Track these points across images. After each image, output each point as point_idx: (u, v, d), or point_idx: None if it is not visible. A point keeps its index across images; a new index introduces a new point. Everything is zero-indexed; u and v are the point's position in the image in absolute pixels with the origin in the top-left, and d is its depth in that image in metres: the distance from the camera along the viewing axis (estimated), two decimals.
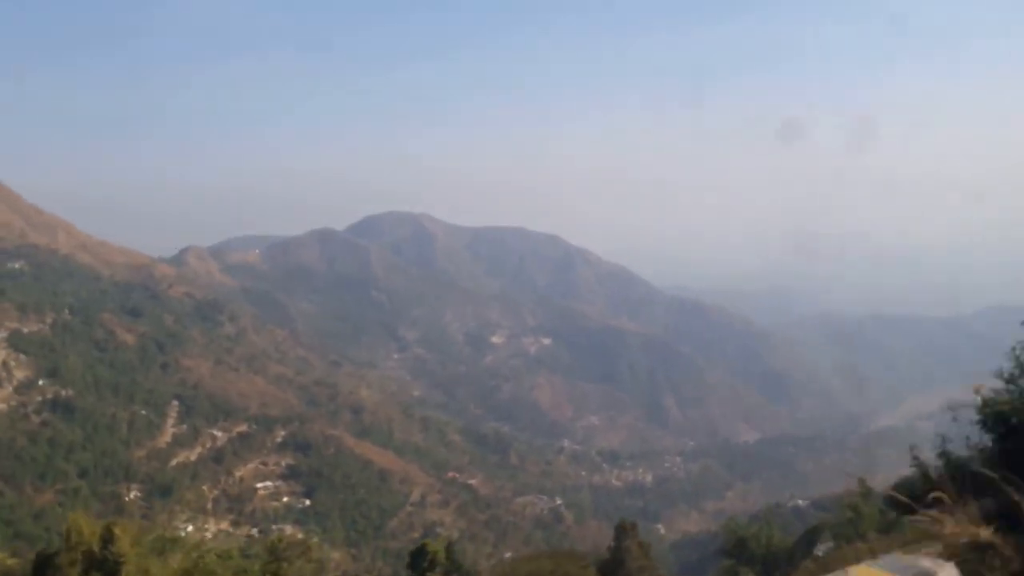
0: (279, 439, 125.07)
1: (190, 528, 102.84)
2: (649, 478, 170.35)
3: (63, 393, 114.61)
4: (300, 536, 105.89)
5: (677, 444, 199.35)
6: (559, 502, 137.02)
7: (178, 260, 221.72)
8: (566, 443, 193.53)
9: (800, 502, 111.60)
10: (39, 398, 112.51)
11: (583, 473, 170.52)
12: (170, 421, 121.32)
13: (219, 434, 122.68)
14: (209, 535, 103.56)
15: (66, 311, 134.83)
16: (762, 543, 40.56)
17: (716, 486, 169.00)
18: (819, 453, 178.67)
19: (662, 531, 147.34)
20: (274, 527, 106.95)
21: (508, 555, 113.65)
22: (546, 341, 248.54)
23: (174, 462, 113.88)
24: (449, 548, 47.72)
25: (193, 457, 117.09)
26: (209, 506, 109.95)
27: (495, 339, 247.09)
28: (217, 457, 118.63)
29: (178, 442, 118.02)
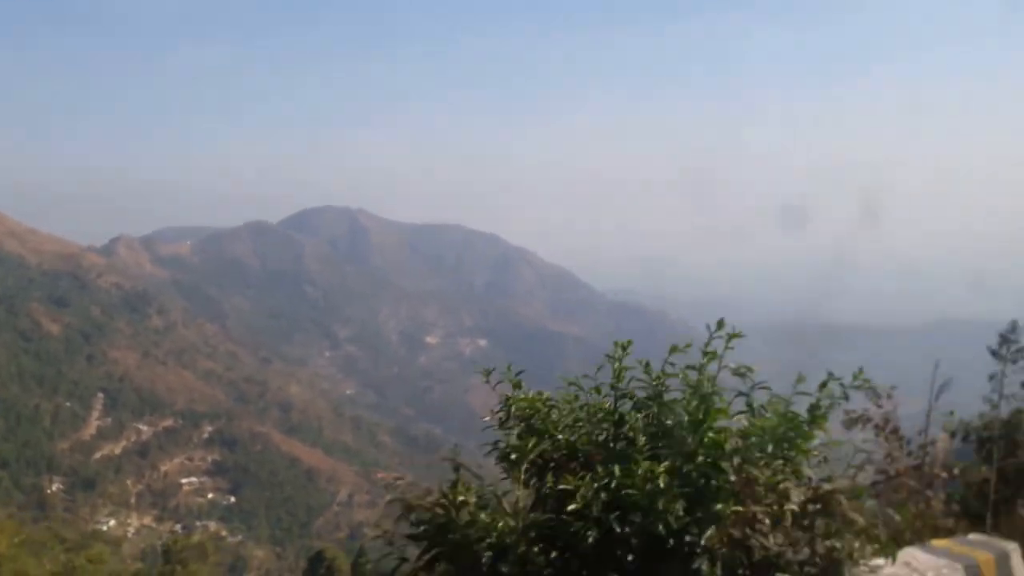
0: (205, 435, 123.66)
1: (112, 523, 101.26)
2: None
3: None
4: (224, 533, 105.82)
5: None
6: None
7: (108, 250, 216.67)
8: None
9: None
10: None
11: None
12: (95, 414, 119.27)
13: (144, 428, 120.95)
14: (132, 530, 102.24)
15: None
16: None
17: None
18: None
19: None
20: (198, 523, 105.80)
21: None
22: (482, 342, 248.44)
23: (98, 455, 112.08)
24: (360, 557, 46.69)
25: (118, 451, 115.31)
26: (132, 500, 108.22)
27: (430, 339, 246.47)
28: (142, 451, 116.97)
29: (102, 435, 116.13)
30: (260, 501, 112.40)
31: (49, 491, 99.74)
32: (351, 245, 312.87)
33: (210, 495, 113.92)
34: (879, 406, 8.33)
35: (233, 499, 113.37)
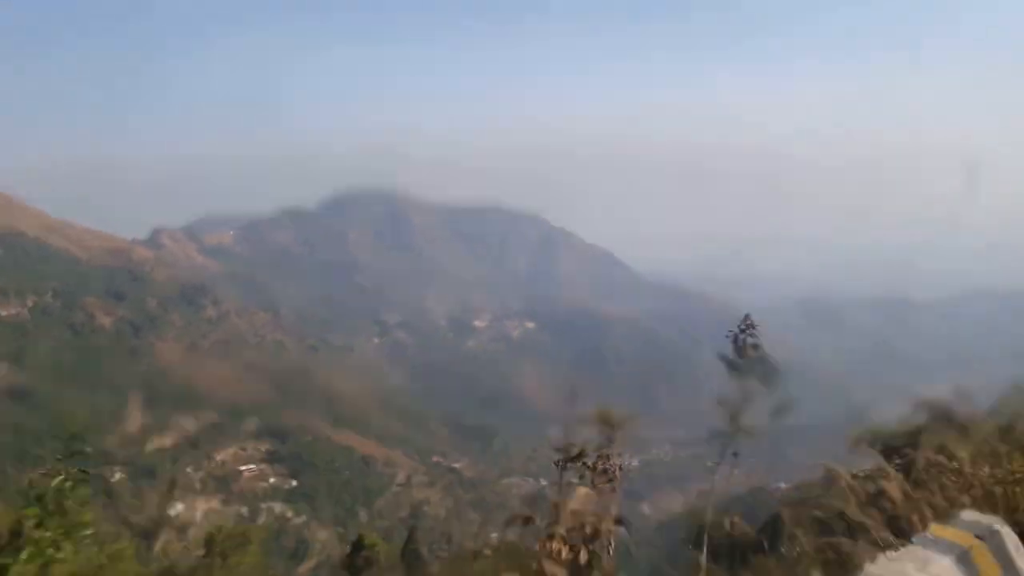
0: (252, 427, 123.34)
1: (180, 507, 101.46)
2: (635, 462, 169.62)
3: (21, 379, 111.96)
4: (289, 514, 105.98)
5: (666, 432, 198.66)
6: (544, 483, 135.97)
7: (153, 243, 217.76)
8: (552, 430, 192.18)
9: (783, 485, 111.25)
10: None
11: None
12: (137, 408, 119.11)
13: (192, 420, 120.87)
14: (199, 514, 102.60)
15: (49, 294, 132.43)
16: (724, 531, 39.02)
17: (701, 471, 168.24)
18: (811, 442, 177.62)
19: (646, 510, 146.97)
20: (263, 505, 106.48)
21: (494, 534, 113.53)
22: (530, 325, 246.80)
23: (149, 447, 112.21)
24: (411, 540, 44.71)
25: (168, 443, 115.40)
26: (198, 486, 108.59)
27: (478, 323, 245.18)
28: (193, 443, 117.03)
29: (149, 428, 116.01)
30: (320, 484, 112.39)
31: (112, 480, 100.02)
32: (392, 229, 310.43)
33: (272, 480, 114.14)
34: None
35: (295, 483, 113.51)
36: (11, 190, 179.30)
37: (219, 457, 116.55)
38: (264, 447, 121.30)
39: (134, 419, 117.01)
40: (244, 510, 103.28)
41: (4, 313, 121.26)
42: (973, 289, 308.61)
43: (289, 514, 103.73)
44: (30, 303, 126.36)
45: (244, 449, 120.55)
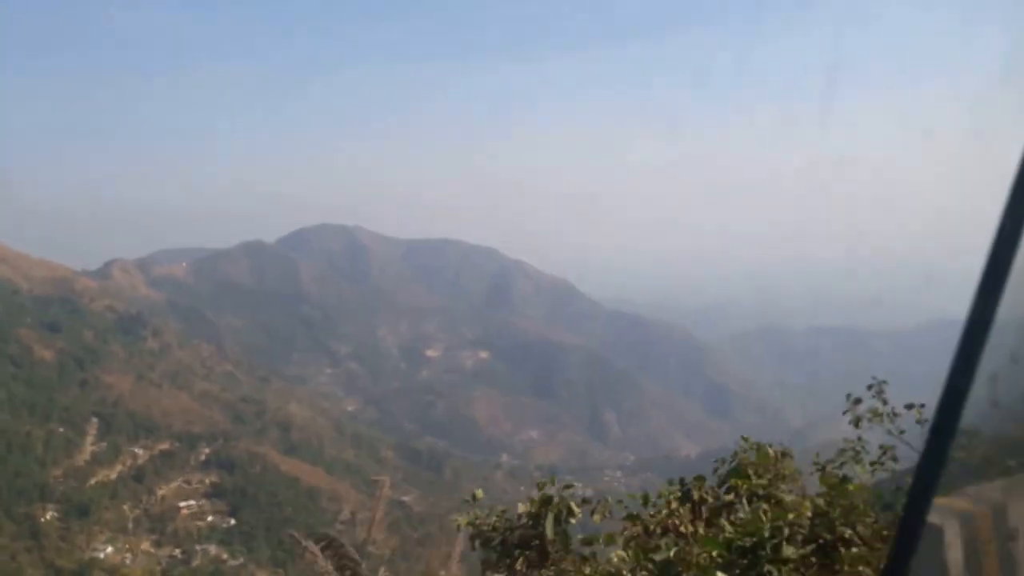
0: (203, 457, 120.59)
1: (109, 550, 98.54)
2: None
3: None
4: (224, 556, 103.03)
5: (617, 458, 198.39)
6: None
7: (103, 273, 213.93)
8: (505, 458, 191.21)
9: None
10: None
11: (521, 488, 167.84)
12: (89, 439, 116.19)
13: (140, 452, 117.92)
14: (130, 557, 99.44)
15: None
16: None
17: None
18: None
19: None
20: (198, 547, 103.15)
21: (441, 574, 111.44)
22: (483, 355, 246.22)
23: (92, 481, 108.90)
24: None
25: (113, 475, 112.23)
26: (130, 526, 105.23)
27: (431, 353, 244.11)
28: (138, 476, 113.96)
29: (97, 460, 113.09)
30: (260, 522, 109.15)
31: (43, 520, 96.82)
32: (349, 262, 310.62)
33: (209, 518, 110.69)
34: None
35: (233, 521, 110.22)
36: None
37: (160, 492, 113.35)
38: (210, 479, 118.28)
39: (83, 451, 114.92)
40: (178, 552, 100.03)
41: None
42: (937, 318, 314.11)
43: (225, 556, 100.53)
44: None
45: (188, 483, 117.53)
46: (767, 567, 5.59)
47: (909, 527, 2.17)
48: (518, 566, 8.65)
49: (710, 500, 8.04)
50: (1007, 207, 1.79)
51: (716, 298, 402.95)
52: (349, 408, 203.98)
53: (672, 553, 6.33)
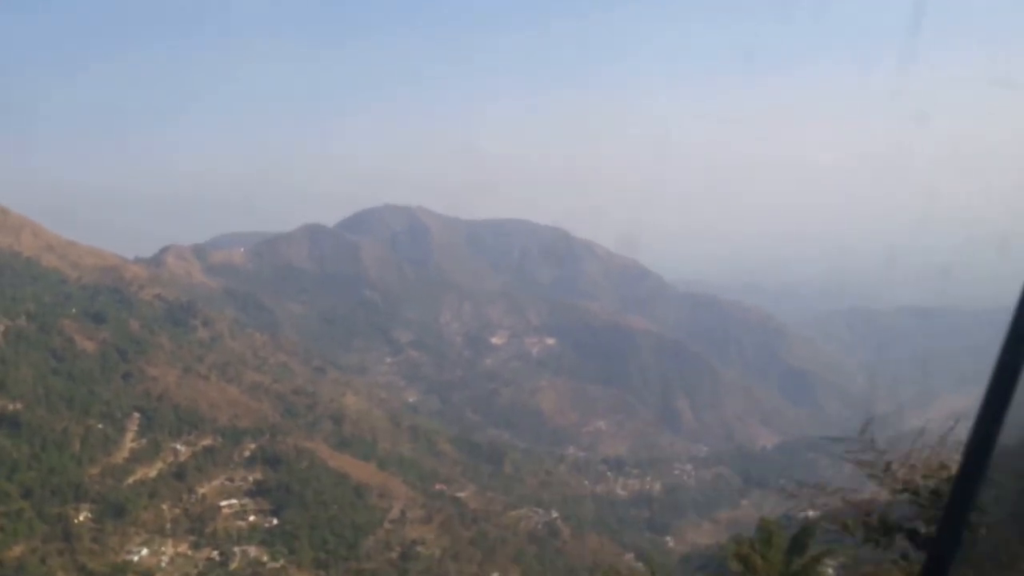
0: (248, 453, 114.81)
1: (144, 552, 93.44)
2: (657, 487, 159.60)
3: (10, 407, 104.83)
4: (264, 558, 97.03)
5: (689, 450, 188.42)
6: (555, 515, 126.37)
7: (156, 260, 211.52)
8: (571, 450, 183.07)
9: (811, 513, 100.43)
10: None
11: (586, 483, 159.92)
12: (129, 435, 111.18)
13: (182, 448, 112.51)
14: (166, 559, 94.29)
15: (23, 317, 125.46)
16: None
17: (730, 494, 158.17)
18: (840, 457, 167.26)
19: (671, 543, 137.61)
20: (236, 549, 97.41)
21: (495, 575, 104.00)
22: (550, 341, 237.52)
23: (131, 479, 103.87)
24: None
25: (152, 473, 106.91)
26: (168, 527, 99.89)
27: (495, 340, 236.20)
28: (179, 473, 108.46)
29: (136, 458, 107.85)
30: (304, 522, 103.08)
31: (76, 520, 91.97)
32: (411, 244, 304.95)
33: (251, 517, 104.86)
34: None
35: (276, 521, 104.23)
36: (20, 208, 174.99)
37: (201, 490, 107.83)
38: (253, 476, 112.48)
39: (123, 448, 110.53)
40: (215, 554, 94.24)
41: None
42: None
43: (264, 558, 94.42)
44: (1, 327, 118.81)
45: (231, 480, 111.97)
46: None
47: (954, 512, 2.08)
48: None
49: None
50: None
51: (797, 278, 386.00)
52: (410, 399, 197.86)
53: None
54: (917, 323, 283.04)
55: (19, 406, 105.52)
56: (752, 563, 22.96)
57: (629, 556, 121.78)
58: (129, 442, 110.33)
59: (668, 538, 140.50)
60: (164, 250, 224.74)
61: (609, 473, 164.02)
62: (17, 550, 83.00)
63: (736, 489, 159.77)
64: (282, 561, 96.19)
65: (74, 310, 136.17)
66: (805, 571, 22.83)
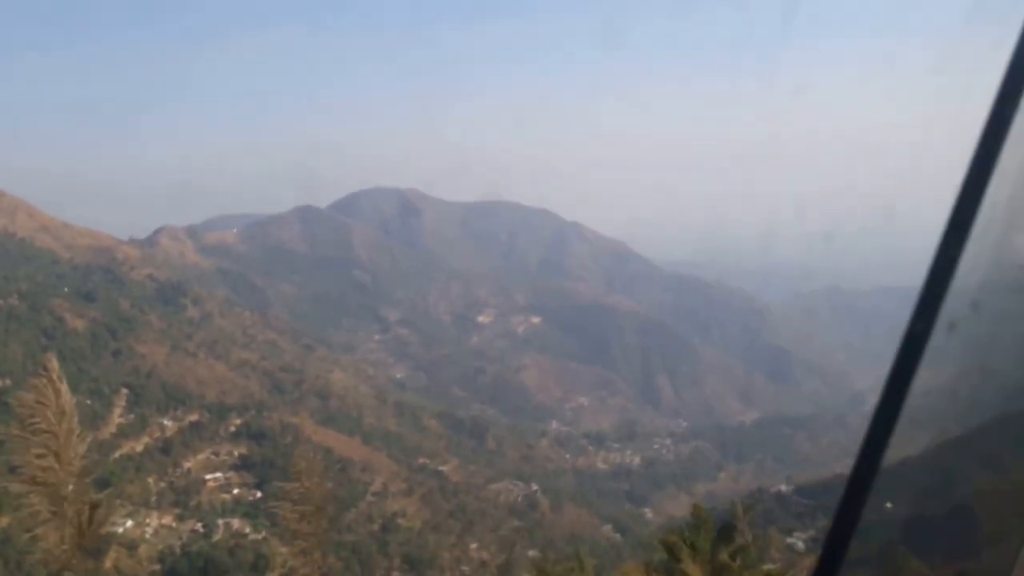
0: (233, 428, 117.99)
1: (129, 524, 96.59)
2: (637, 460, 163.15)
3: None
4: (247, 530, 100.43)
5: (669, 426, 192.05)
6: (536, 488, 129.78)
7: (150, 241, 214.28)
8: (554, 424, 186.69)
9: (783, 488, 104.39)
10: None
11: (567, 457, 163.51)
12: (117, 411, 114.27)
13: (169, 423, 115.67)
14: (150, 531, 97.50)
15: (14, 296, 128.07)
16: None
17: (708, 468, 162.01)
18: (817, 433, 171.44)
19: (649, 515, 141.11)
20: (220, 521, 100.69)
21: (473, 546, 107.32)
22: (535, 320, 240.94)
23: (117, 454, 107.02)
24: None
25: (139, 448, 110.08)
26: (153, 499, 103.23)
27: (482, 319, 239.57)
28: (165, 448, 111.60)
29: (123, 433, 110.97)
30: (286, 496, 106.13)
31: (63, 493, 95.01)
32: (401, 226, 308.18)
33: (235, 491, 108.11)
34: None
35: (259, 494, 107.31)
36: (42, 200, 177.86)
37: (187, 464, 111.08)
38: (238, 450, 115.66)
39: (110, 423, 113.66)
40: (199, 526, 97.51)
41: None
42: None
43: (247, 530, 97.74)
44: None
45: (216, 455, 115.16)
46: None
47: (858, 479, 2.12)
48: None
49: None
50: (976, 150, 1.84)
51: (779, 259, 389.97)
52: (398, 375, 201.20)
53: None
54: (896, 303, 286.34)
55: (8, 382, 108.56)
56: (677, 552, 21.82)
57: (607, 527, 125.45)
58: (117, 418, 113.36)
59: (647, 510, 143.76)
60: (158, 231, 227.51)
61: (590, 447, 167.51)
62: (3, 521, 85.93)
63: (714, 463, 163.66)
64: (264, 533, 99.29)
65: (66, 289, 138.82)
66: (732, 560, 21.71)
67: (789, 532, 72.01)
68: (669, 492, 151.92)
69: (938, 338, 2.05)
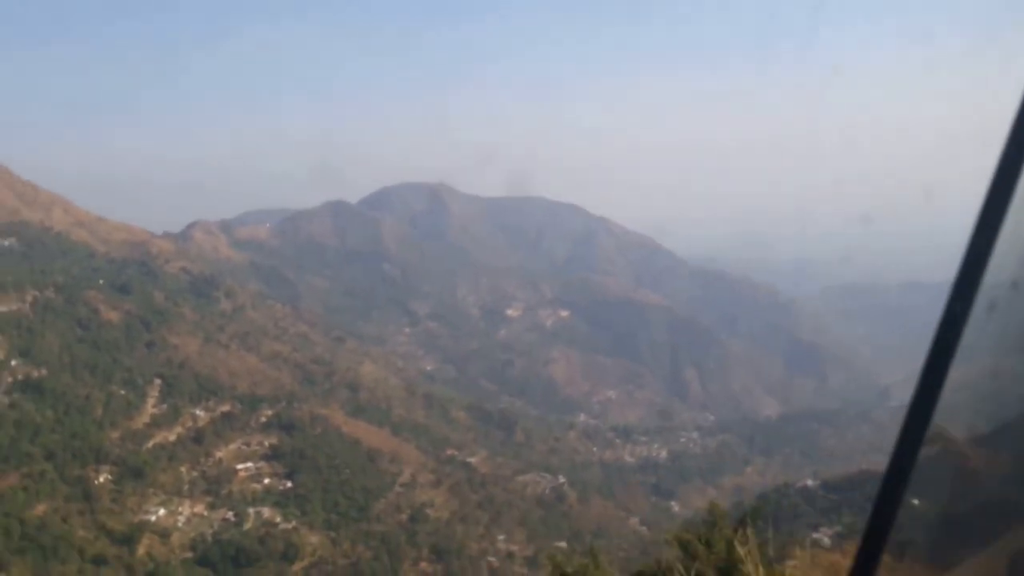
0: (264, 419, 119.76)
1: (162, 512, 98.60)
2: (664, 453, 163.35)
3: (35, 373, 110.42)
4: (277, 519, 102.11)
5: (696, 419, 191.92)
6: (563, 480, 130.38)
7: (183, 235, 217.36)
8: (582, 417, 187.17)
9: (810, 483, 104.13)
10: (9, 379, 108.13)
11: (594, 449, 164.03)
12: (150, 401, 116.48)
13: (201, 414, 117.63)
14: (183, 519, 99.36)
15: (50, 289, 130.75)
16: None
17: (734, 462, 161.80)
18: (843, 427, 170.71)
19: (675, 508, 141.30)
20: (251, 510, 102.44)
21: (501, 537, 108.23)
22: (564, 314, 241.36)
23: (150, 443, 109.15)
24: None
25: (172, 438, 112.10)
26: (186, 488, 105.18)
27: (510, 312, 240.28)
28: (197, 438, 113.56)
29: (156, 422, 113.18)
30: (316, 485, 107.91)
31: (97, 482, 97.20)
32: (430, 221, 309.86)
33: (266, 480, 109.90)
34: None
35: (289, 484, 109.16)
36: (75, 194, 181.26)
37: (218, 454, 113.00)
38: (269, 441, 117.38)
39: (143, 413, 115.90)
40: (231, 514, 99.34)
41: (3, 309, 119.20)
42: None
43: (277, 519, 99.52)
44: (29, 298, 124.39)
45: (247, 445, 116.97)
46: None
47: (903, 453, 2.09)
48: None
49: None
50: (1009, 137, 1.81)
51: (807, 254, 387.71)
52: (428, 368, 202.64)
53: None
54: (924, 298, 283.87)
55: (44, 372, 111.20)
56: (692, 550, 20.09)
57: (634, 520, 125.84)
58: (150, 408, 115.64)
59: (673, 503, 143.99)
60: (191, 225, 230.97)
61: (617, 440, 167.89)
62: (40, 509, 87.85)
63: (740, 457, 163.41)
64: (294, 522, 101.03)
65: (101, 282, 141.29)
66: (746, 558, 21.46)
67: (815, 527, 72.15)
68: (696, 485, 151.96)
69: (976, 320, 1.95)
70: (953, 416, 2.17)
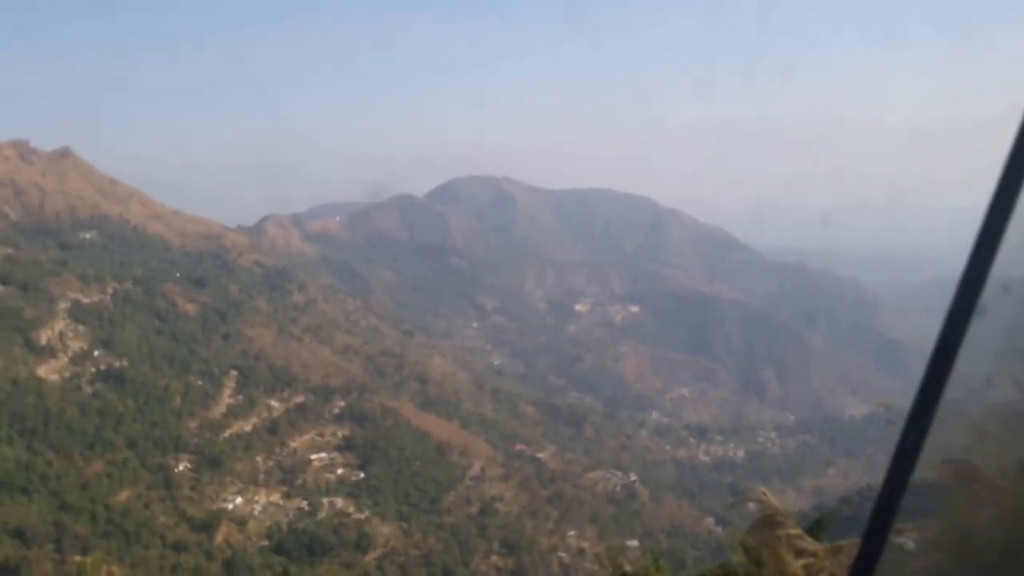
0: (337, 410, 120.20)
1: (239, 500, 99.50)
2: (741, 453, 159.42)
3: (116, 364, 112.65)
4: (350, 510, 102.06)
5: (775, 419, 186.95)
6: (634, 478, 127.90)
7: (257, 229, 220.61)
8: (654, 415, 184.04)
9: None
10: (92, 369, 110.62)
11: (667, 448, 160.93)
12: (226, 392, 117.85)
13: (276, 404, 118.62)
14: (259, 508, 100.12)
15: (129, 281, 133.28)
16: None
17: (815, 463, 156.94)
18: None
19: (752, 509, 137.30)
20: (324, 500, 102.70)
21: (571, 533, 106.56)
22: (634, 309, 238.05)
23: (227, 433, 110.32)
24: None
25: (248, 428, 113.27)
26: (261, 477, 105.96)
27: (579, 307, 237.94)
28: (272, 428, 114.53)
29: (233, 413, 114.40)
30: (388, 477, 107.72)
31: (176, 470, 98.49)
32: (497, 214, 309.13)
33: (339, 471, 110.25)
34: None
35: (362, 475, 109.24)
36: (152, 188, 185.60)
37: (293, 444, 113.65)
38: (342, 432, 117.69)
39: (220, 403, 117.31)
40: (305, 504, 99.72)
41: (85, 300, 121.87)
42: None
43: (351, 509, 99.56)
44: (110, 290, 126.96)
45: (321, 435, 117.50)
46: None
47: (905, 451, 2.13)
48: None
49: None
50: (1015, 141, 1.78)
51: (893, 247, 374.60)
52: (495, 362, 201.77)
53: None
54: (1015, 294, 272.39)
55: (125, 363, 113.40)
56: (759, 557, 20.84)
57: (709, 520, 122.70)
58: (226, 398, 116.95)
59: (750, 504, 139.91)
60: (264, 219, 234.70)
61: (691, 439, 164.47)
62: (123, 495, 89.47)
63: (822, 458, 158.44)
64: (367, 512, 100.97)
65: (178, 275, 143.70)
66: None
67: (899, 532, 68.83)
68: (774, 487, 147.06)
69: (976, 324, 2.01)
70: (953, 416, 2.15)
